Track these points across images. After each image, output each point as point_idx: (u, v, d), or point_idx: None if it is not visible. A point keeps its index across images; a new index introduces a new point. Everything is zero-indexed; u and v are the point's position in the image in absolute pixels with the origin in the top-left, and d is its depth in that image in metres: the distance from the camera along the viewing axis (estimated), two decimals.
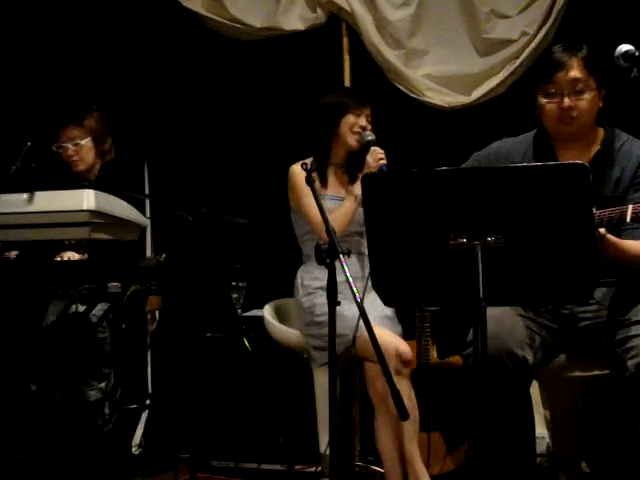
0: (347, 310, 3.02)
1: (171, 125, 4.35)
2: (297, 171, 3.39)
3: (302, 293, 3.40)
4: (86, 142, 3.61)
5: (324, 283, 3.16)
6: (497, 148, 2.88)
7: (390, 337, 3.17)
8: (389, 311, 3.29)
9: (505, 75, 3.77)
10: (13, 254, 3.25)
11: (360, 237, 3.41)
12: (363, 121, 3.41)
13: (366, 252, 3.25)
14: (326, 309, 3.16)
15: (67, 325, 3.32)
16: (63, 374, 3.34)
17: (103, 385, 3.43)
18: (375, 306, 3.06)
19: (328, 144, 3.44)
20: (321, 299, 3.27)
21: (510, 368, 2.54)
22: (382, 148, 3.32)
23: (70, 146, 3.60)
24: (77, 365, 3.36)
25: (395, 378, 3.02)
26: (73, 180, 3.56)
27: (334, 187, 3.44)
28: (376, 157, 3.28)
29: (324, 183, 3.42)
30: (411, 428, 3.15)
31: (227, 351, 3.87)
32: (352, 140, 3.40)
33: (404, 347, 3.16)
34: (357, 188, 3.31)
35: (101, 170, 3.66)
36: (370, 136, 3.35)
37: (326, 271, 3.09)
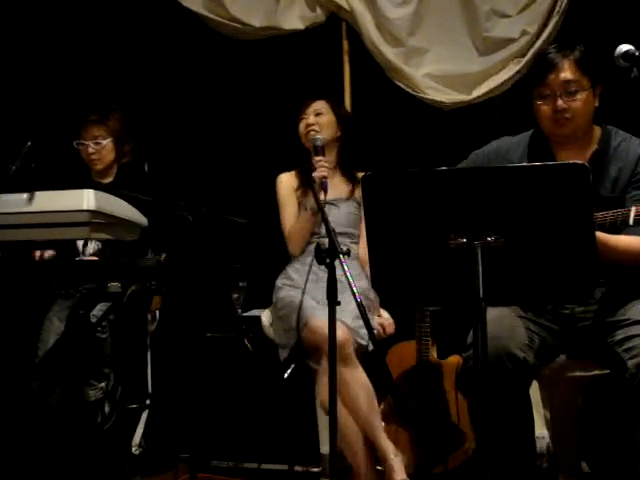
0: (305, 302, 3.03)
1: (171, 125, 4.35)
2: (278, 180, 3.46)
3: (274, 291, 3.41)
4: (107, 142, 3.62)
5: (290, 281, 3.27)
6: (496, 147, 2.88)
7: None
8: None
9: (509, 74, 3.77)
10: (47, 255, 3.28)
11: (343, 238, 3.34)
12: (310, 119, 3.41)
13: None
14: (285, 302, 3.19)
15: (68, 325, 3.33)
16: (63, 374, 3.34)
17: (103, 385, 3.43)
18: (347, 304, 2.78)
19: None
20: (282, 292, 3.27)
21: (510, 369, 2.53)
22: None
23: (91, 144, 3.62)
24: (77, 365, 3.35)
25: (343, 368, 2.89)
26: (87, 180, 3.57)
27: (335, 190, 3.40)
28: (318, 172, 3.23)
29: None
30: (366, 402, 2.93)
31: (227, 351, 3.87)
32: (308, 143, 3.38)
33: (340, 332, 2.81)
34: (310, 200, 3.29)
35: (118, 172, 3.68)
36: (318, 141, 3.31)
37: (296, 269, 3.11)
